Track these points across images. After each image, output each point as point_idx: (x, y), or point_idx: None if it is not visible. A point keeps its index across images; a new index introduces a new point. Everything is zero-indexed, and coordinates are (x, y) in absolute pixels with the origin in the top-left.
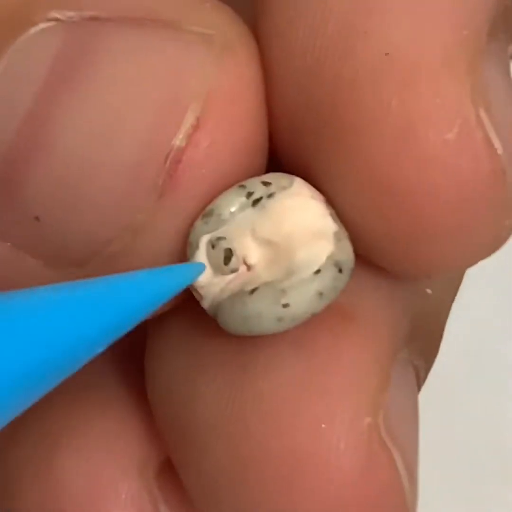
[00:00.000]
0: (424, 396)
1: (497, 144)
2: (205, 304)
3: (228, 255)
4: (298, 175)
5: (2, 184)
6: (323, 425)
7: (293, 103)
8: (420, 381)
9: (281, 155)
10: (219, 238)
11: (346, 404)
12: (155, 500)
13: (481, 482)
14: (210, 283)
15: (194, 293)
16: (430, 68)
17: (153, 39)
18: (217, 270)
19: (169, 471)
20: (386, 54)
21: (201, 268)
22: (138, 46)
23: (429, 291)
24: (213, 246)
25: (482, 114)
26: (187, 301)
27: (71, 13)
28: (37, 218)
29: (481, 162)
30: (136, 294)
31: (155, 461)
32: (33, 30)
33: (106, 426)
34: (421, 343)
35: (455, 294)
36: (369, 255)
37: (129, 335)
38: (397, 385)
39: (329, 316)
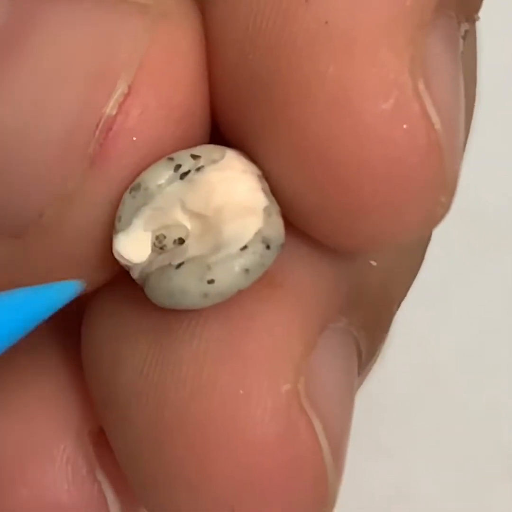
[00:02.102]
0: (423, 395)
1: (434, 118)
2: (134, 274)
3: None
4: (238, 147)
5: None
6: (240, 391)
7: (234, 72)
8: (361, 353)
9: (223, 127)
10: (162, 234)
11: (265, 369)
12: (91, 464)
13: (481, 481)
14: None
15: (122, 265)
16: (368, 37)
17: (91, 10)
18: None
19: (106, 437)
20: (326, 22)
21: (76, 287)
22: (75, 17)
23: (373, 262)
24: (157, 237)
25: (421, 86)
26: (123, 270)
27: None
28: None
29: (417, 135)
30: (10, 313)
31: (92, 426)
32: None
33: (44, 389)
34: (363, 314)
35: (412, 269)
36: (305, 229)
37: (72, 302)
38: (325, 353)
39: (257, 284)
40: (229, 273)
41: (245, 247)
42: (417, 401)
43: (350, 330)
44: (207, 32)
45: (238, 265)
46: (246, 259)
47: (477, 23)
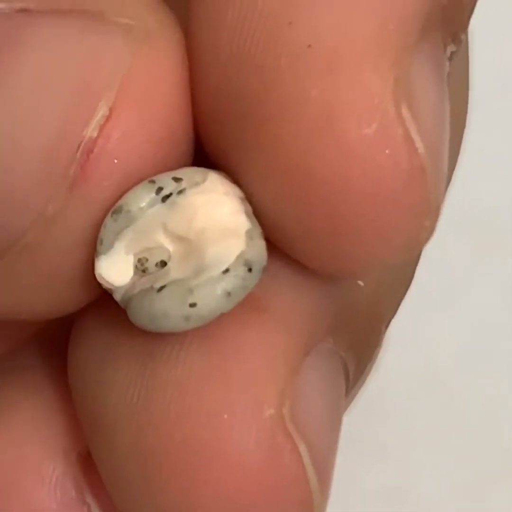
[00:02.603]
0: (423, 395)
1: (418, 142)
2: (117, 297)
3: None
4: (222, 169)
5: None
6: (225, 416)
7: (217, 94)
8: (349, 374)
9: (206, 148)
10: (144, 257)
11: (249, 394)
12: (80, 486)
13: (481, 481)
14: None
15: (105, 287)
16: (351, 60)
17: (74, 30)
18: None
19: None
20: (309, 45)
21: None
22: (58, 37)
23: (360, 283)
24: (140, 260)
25: (404, 110)
26: (107, 293)
27: (2, 5)
28: None
29: (399, 160)
30: None
31: (81, 448)
32: None
33: (31, 411)
34: (350, 335)
35: (400, 288)
36: (289, 252)
37: (60, 323)
38: (311, 376)
39: (241, 307)
40: (211, 297)
41: (227, 270)
42: (416, 401)
43: (337, 350)
44: (190, 53)
45: (220, 288)
46: (228, 282)
47: (475, 29)
